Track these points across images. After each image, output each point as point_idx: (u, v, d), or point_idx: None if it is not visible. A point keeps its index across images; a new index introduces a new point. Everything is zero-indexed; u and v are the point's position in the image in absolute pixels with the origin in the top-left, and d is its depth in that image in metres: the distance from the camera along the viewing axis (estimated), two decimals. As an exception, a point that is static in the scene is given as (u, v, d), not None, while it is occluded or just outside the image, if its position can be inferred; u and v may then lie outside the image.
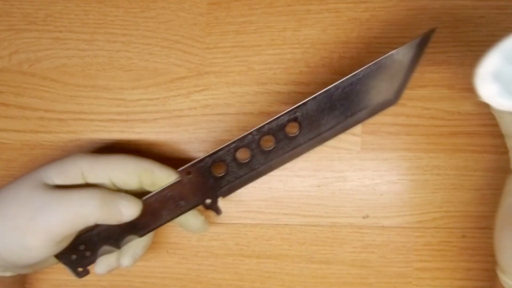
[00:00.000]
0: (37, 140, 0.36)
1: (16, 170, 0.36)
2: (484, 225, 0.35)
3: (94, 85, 0.36)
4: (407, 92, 0.34)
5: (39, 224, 0.27)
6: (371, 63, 0.29)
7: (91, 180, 0.29)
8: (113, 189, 0.30)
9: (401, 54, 0.28)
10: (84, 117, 0.36)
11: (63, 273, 0.37)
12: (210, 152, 0.30)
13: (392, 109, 0.35)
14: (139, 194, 0.31)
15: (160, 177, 0.30)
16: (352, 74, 0.29)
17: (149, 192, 0.31)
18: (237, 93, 0.35)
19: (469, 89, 0.35)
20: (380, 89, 0.30)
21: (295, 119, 0.30)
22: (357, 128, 0.35)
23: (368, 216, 0.36)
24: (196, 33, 0.36)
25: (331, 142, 0.35)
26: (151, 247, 0.35)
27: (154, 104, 0.36)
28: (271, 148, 0.30)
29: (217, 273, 0.37)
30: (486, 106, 0.34)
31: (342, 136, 0.33)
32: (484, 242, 0.35)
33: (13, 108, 0.36)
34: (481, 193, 0.35)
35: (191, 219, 0.32)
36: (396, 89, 0.30)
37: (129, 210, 0.29)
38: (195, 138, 0.36)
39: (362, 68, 0.29)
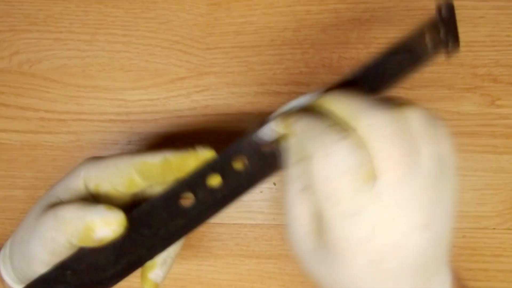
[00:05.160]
0: (37, 140, 0.36)
1: (16, 171, 0.36)
2: (484, 225, 0.35)
3: (95, 86, 0.36)
4: (407, 92, 0.35)
5: (33, 251, 0.25)
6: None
7: (93, 189, 0.25)
8: (119, 195, 0.26)
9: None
10: (84, 118, 0.36)
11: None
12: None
13: (392, 109, 0.35)
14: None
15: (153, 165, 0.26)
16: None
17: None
18: (237, 93, 0.35)
19: (469, 89, 0.35)
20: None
21: None
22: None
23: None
24: (196, 33, 0.36)
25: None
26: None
27: (154, 104, 0.36)
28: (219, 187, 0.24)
29: (217, 273, 0.37)
30: (486, 106, 0.35)
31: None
32: (484, 242, 0.35)
33: (14, 108, 0.36)
34: (481, 193, 0.35)
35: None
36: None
37: (103, 229, 0.23)
38: (195, 138, 0.36)
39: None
